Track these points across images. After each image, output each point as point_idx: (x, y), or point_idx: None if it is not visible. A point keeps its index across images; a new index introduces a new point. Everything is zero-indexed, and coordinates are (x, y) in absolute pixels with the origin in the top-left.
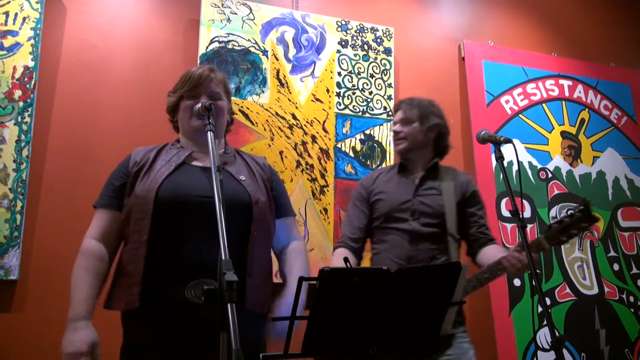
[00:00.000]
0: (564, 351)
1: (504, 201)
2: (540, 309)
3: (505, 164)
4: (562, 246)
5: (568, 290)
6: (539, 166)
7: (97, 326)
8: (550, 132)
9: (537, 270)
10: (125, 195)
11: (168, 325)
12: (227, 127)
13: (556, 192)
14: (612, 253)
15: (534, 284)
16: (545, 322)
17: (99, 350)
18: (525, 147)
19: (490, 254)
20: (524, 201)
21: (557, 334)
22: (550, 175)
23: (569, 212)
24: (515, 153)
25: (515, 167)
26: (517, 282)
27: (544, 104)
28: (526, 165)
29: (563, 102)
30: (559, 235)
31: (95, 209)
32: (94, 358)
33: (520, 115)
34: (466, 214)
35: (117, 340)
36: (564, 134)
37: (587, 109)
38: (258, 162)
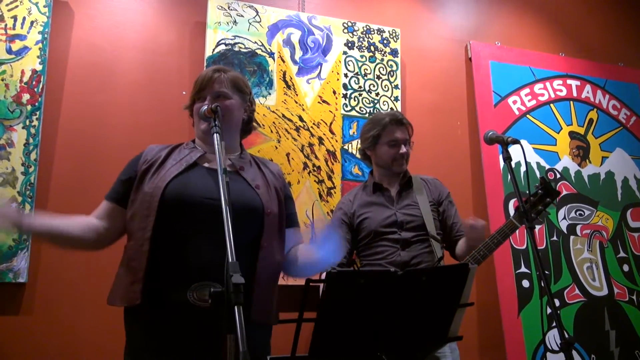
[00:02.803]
0: (574, 353)
1: (512, 202)
2: (549, 310)
3: (513, 165)
4: (571, 247)
5: (577, 291)
6: (547, 167)
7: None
8: (558, 133)
9: (546, 271)
10: (130, 190)
11: (170, 328)
12: (247, 125)
13: (565, 192)
14: (622, 254)
15: (542, 285)
16: (554, 324)
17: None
18: (533, 148)
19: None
20: None
21: (566, 335)
22: (558, 175)
23: (534, 191)
24: (523, 154)
25: (523, 168)
26: (525, 283)
27: (551, 104)
28: (534, 166)
29: (571, 102)
30: (528, 213)
31: None
32: None
33: (527, 115)
34: (442, 215)
35: (122, 339)
36: (572, 134)
37: (595, 109)
38: (272, 170)
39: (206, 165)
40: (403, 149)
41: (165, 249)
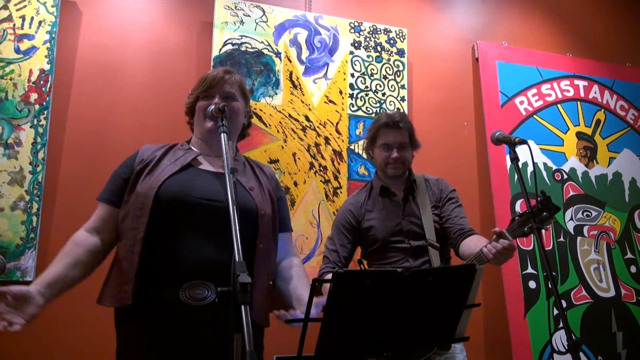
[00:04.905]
0: (581, 354)
1: (518, 202)
2: (556, 312)
3: (520, 165)
4: (578, 248)
5: (584, 292)
6: (554, 167)
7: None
8: (565, 133)
9: (553, 273)
10: (125, 192)
11: (162, 327)
12: (245, 130)
13: (572, 193)
14: (629, 255)
15: (549, 286)
16: (561, 325)
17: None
18: (540, 148)
19: (472, 243)
20: None
21: (573, 337)
22: (565, 176)
23: (531, 205)
24: (531, 154)
25: (530, 169)
26: (532, 284)
27: (559, 105)
28: (541, 167)
29: (578, 102)
30: (521, 228)
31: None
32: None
33: (535, 116)
34: (445, 213)
35: (112, 338)
36: (580, 135)
37: (602, 110)
38: (265, 172)
39: (200, 167)
40: (394, 154)
41: (158, 249)
